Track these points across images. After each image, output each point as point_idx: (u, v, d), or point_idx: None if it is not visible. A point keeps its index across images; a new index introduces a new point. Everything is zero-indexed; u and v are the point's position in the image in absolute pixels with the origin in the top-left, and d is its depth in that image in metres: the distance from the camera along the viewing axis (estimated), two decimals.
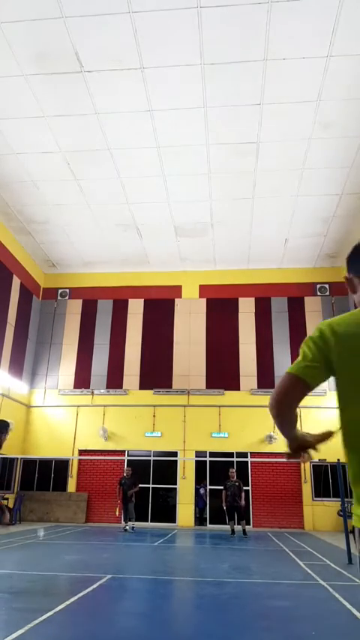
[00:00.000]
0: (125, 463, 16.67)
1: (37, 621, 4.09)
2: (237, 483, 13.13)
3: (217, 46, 9.40)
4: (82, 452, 16.86)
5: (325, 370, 1.80)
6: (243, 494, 13.12)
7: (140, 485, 13.93)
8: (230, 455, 16.27)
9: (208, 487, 16.25)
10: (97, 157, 12.57)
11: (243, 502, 13.06)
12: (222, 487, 13.37)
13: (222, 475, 14.27)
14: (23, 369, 17.43)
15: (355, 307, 1.88)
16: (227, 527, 13.51)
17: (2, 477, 16.11)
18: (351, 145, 11.87)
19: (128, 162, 12.75)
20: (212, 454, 16.50)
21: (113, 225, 15.81)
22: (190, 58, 9.68)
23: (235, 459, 15.96)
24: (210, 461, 16.43)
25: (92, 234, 16.40)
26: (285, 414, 1.84)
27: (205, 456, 16.46)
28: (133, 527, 13.41)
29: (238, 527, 13.04)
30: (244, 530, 12.87)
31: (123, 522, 13.65)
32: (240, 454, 16.15)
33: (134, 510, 13.48)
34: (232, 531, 13.01)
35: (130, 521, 13.43)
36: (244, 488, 13.68)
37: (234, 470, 13.66)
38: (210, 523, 15.85)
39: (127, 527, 13.45)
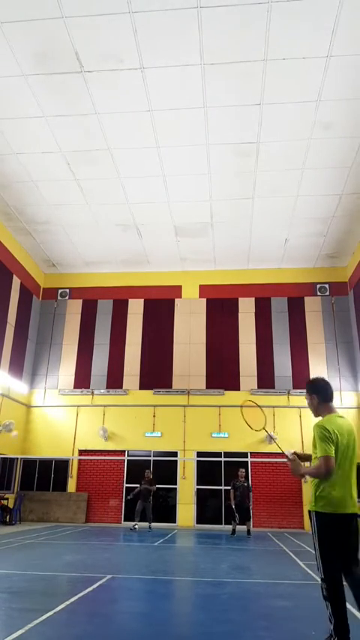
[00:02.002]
0: (125, 463, 16.67)
1: (37, 621, 4.09)
2: (246, 484, 13.22)
3: (217, 46, 9.40)
4: (82, 452, 16.86)
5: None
6: (251, 494, 13.23)
7: (155, 485, 14.09)
8: (230, 455, 16.27)
9: (200, 487, 16.23)
10: (97, 157, 12.57)
11: (251, 503, 13.20)
12: (217, 487, 13.51)
13: (216, 474, 14.29)
14: (23, 369, 17.43)
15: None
16: (225, 527, 13.57)
17: (2, 477, 16.10)
18: (351, 145, 11.87)
19: (128, 162, 12.76)
20: (211, 454, 16.49)
21: (113, 225, 15.81)
22: (190, 58, 9.68)
23: (224, 459, 15.96)
24: (209, 461, 16.42)
25: (92, 234, 16.40)
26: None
27: (220, 456, 16.41)
28: (150, 527, 13.54)
29: (240, 527, 13.06)
30: (248, 531, 12.92)
31: (135, 521, 13.75)
32: (241, 454, 16.15)
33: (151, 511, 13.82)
34: (233, 531, 13.03)
35: (148, 522, 13.73)
36: None
37: (243, 470, 13.71)
38: (209, 523, 15.84)
39: (136, 527, 13.63)
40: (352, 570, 3.38)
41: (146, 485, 13.77)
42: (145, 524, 13.93)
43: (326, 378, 3.92)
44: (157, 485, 14.33)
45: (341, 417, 3.72)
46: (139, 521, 13.73)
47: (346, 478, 3.50)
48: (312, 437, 3.71)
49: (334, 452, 3.46)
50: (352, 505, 3.46)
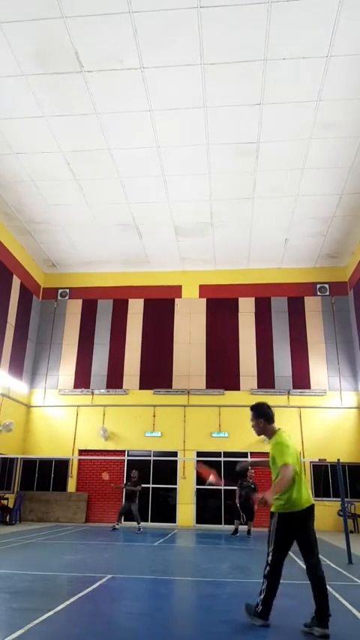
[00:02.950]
0: (125, 463, 16.67)
1: (37, 621, 4.09)
2: (252, 485, 13.18)
3: (217, 46, 9.41)
4: (82, 452, 16.86)
5: None
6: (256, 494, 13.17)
7: (140, 485, 13.96)
8: (230, 455, 16.27)
9: (200, 487, 16.23)
10: (97, 156, 12.57)
11: (256, 506, 13.16)
12: (217, 487, 13.53)
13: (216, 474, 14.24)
14: (23, 369, 17.43)
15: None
16: (225, 527, 13.57)
17: (2, 477, 16.11)
18: (351, 145, 11.87)
19: (128, 163, 12.76)
20: (211, 454, 16.48)
21: (113, 225, 15.81)
22: (190, 58, 9.68)
23: (224, 459, 15.96)
24: (209, 461, 16.41)
25: (92, 234, 16.40)
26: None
27: (220, 456, 16.37)
28: (139, 529, 13.42)
29: (240, 527, 13.09)
30: (249, 531, 12.93)
31: (118, 521, 13.70)
32: (241, 454, 16.14)
33: (138, 511, 13.62)
34: (236, 531, 13.05)
35: (137, 522, 13.56)
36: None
37: (254, 471, 13.67)
38: (208, 523, 15.84)
39: (117, 526, 13.52)
40: (310, 562, 4.11)
41: (131, 486, 13.68)
42: (146, 525, 13.90)
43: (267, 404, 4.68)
44: (158, 486, 14.31)
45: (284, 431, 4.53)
46: (125, 521, 13.67)
47: (301, 480, 4.23)
48: (271, 454, 4.38)
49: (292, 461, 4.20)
50: (306, 500, 4.19)
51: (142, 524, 13.73)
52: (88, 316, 18.74)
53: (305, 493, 4.21)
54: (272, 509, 4.23)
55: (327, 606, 3.97)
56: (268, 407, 4.59)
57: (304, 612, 4.24)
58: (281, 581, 4.15)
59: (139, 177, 13.36)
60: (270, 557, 4.16)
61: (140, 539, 11.74)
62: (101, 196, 14.26)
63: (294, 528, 4.16)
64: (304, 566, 4.20)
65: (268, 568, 4.15)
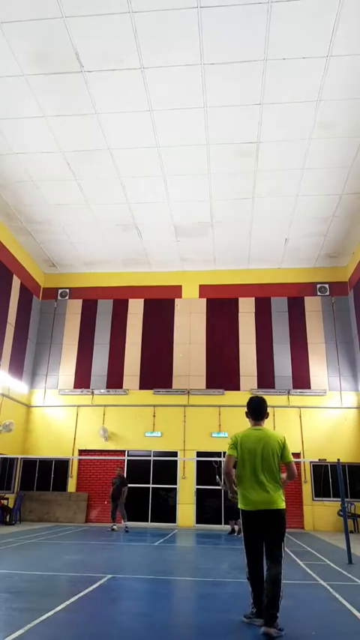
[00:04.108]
0: (125, 463, 16.67)
1: (37, 621, 4.09)
2: None
3: (217, 46, 9.40)
4: (82, 452, 16.86)
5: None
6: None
7: (141, 486, 13.94)
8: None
9: (200, 487, 16.23)
10: (97, 156, 12.57)
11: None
12: (217, 487, 13.59)
13: (216, 474, 14.26)
14: (23, 369, 17.43)
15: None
16: (225, 527, 13.60)
17: (2, 477, 16.11)
18: (351, 145, 11.87)
19: (128, 163, 12.75)
20: (211, 454, 16.47)
21: (113, 225, 15.81)
22: (190, 58, 9.68)
23: (224, 459, 15.94)
24: (209, 461, 16.41)
25: (92, 234, 16.40)
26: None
27: (220, 456, 16.34)
28: (126, 528, 13.39)
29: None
30: (239, 530, 12.95)
31: (122, 523, 13.63)
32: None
33: (124, 509, 13.56)
34: (232, 530, 13.10)
35: (123, 521, 13.47)
36: None
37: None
38: (208, 523, 15.84)
39: (115, 527, 13.45)
40: (268, 565, 4.04)
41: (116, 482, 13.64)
42: (146, 525, 13.89)
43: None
44: (158, 486, 14.29)
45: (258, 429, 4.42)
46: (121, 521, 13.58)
47: (256, 480, 4.15)
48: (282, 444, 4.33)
49: (235, 453, 4.30)
50: (264, 503, 4.08)
51: (142, 524, 13.71)
52: (88, 316, 18.74)
53: (256, 495, 4.10)
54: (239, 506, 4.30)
55: (271, 604, 3.85)
56: (257, 403, 4.53)
57: (300, 613, 4.24)
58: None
59: (139, 177, 13.36)
60: (245, 557, 4.23)
61: (140, 539, 11.74)
62: (101, 196, 14.26)
63: (253, 527, 4.17)
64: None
65: (247, 569, 4.23)
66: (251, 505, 4.10)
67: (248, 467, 4.18)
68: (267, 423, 4.58)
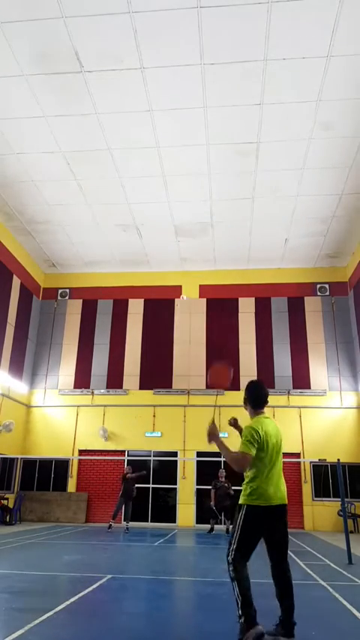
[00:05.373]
0: (125, 463, 16.66)
1: (37, 621, 4.09)
2: (226, 484, 13.38)
3: (217, 46, 9.40)
4: (82, 452, 16.86)
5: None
6: (231, 492, 13.27)
7: (141, 486, 13.92)
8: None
9: (200, 487, 16.21)
10: (97, 156, 12.57)
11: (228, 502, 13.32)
12: (210, 487, 13.74)
13: (216, 474, 14.30)
14: (23, 369, 17.43)
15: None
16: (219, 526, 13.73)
17: (2, 477, 16.11)
18: (351, 145, 11.87)
19: (128, 162, 12.75)
20: (211, 454, 16.46)
21: (113, 225, 15.81)
22: (190, 58, 9.68)
23: (224, 459, 15.94)
24: (209, 461, 16.41)
25: (92, 234, 16.40)
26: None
27: (220, 456, 16.33)
28: (127, 528, 13.37)
29: (220, 527, 13.52)
30: (227, 529, 12.96)
31: (123, 522, 13.57)
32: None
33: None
34: (211, 529, 13.49)
35: (125, 521, 13.45)
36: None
37: (224, 471, 13.89)
38: (208, 523, 15.81)
39: (128, 527, 13.39)
40: (281, 565, 3.76)
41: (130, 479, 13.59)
42: (146, 525, 13.86)
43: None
44: (158, 486, 14.28)
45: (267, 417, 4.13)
46: (125, 520, 13.49)
47: (278, 475, 3.89)
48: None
49: (255, 452, 3.80)
50: (280, 498, 3.82)
51: (142, 524, 13.70)
52: (88, 316, 18.74)
53: (276, 490, 3.81)
54: (240, 501, 3.87)
55: (292, 614, 3.66)
56: (259, 387, 4.15)
57: (300, 613, 4.24)
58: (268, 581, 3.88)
59: (139, 177, 13.36)
60: (231, 556, 3.68)
61: (140, 539, 11.74)
62: (101, 196, 14.25)
63: (259, 525, 3.76)
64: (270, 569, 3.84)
65: (231, 567, 3.66)
66: (266, 500, 3.75)
67: (268, 460, 3.84)
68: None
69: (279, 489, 3.84)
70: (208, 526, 13.89)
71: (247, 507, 3.78)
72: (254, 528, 3.76)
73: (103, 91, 10.55)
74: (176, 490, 16.30)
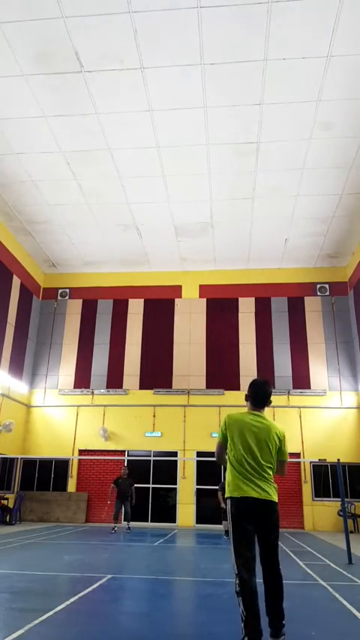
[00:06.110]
0: (125, 463, 16.66)
1: (37, 621, 4.09)
2: None
3: (217, 46, 9.40)
4: (82, 452, 16.86)
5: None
6: None
7: (140, 486, 13.88)
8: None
9: (200, 487, 16.23)
10: (97, 156, 12.57)
11: None
12: (217, 487, 13.62)
13: (216, 474, 14.29)
14: (23, 369, 17.43)
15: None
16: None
17: (2, 477, 16.11)
18: (351, 145, 11.87)
19: (128, 163, 12.75)
20: (211, 454, 16.47)
21: (113, 225, 15.81)
22: (190, 58, 9.68)
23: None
24: (209, 461, 16.42)
25: (92, 234, 16.40)
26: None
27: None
28: (129, 527, 13.36)
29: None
30: (226, 532, 12.95)
31: (124, 522, 13.56)
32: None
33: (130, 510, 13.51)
34: (227, 531, 13.13)
35: (126, 521, 13.42)
36: None
37: None
38: (208, 523, 15.83)
39: (116, 528, 13.36)
40: (270, 567, 3.49)
41: (124, 482, 13.57)
42: (146, 525, 13.85)
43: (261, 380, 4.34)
44: (158, 486, 14.27)
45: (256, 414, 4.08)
46: (125, 520, 13.46)
47: (258, 476, 3.64)
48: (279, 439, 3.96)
49: (221, 439, 3.91)
50: (258, 493, 3.57)
51: (142, 524, 13.70)
52: (88, 316, 18.74)
53: (254, 487, 3.56)
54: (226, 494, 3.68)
55: (282, 616, 3.44)
56: (260, 384, 4.18)
57: (300, 613, 4.24)
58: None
59: (139, 177, 13.36)
60: (235, 567, 3.41)
61: (140, 539, 11.74)
62: (101, 196, 14.25)
63: (244, 518, 3.51)
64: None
65: (237, 582, 3.36)
66: (237, 492, 3.58)
67: (240, 456, 3.68)
68: None
69: (257, 487, 3.58)
70: (208, 526, 13.90)
71: (230, 500, 3.61)
72: (239, 522, 3.50)
73: (103, 91, 10.55)
74: (176, 490, 16.30)
